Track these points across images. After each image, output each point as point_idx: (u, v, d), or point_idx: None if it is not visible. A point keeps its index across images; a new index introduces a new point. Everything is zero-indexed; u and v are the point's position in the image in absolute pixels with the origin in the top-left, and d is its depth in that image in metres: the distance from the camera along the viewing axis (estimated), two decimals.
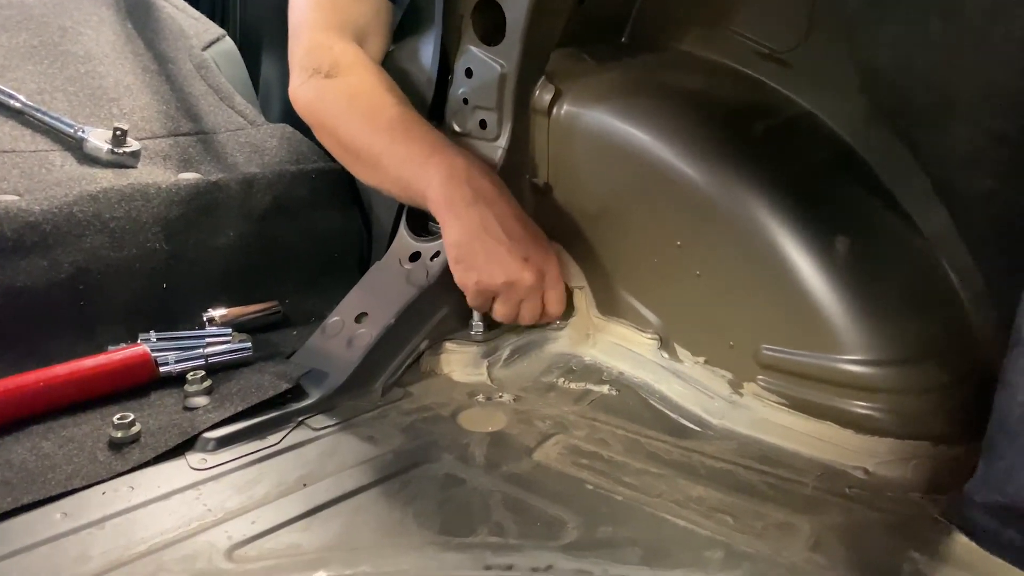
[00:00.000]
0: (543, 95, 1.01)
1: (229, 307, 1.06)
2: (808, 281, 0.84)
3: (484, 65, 1.01)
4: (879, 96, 0.72)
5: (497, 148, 1.02)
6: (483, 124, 1.03)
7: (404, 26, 1.17)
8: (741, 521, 0.72)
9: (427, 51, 1.11)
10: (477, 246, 0.94)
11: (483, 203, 0.95)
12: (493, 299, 0.98)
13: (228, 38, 1.51)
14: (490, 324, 1.02)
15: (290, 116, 1.33)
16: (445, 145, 0.99)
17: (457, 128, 1.06)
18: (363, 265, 1.22)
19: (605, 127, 0.97)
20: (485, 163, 1.01)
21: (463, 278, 0.96)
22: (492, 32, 0.99)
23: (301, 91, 1.08)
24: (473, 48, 1.01)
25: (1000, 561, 0.65)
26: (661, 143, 0.93)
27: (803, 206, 0.87)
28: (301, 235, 1.17)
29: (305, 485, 0.76)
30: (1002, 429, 0.59)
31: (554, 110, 1.00)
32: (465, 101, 1.04)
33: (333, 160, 1.13)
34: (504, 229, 0.95)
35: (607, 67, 1.04)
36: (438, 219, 0.97)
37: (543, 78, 1.01)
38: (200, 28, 1.47)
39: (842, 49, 0.90)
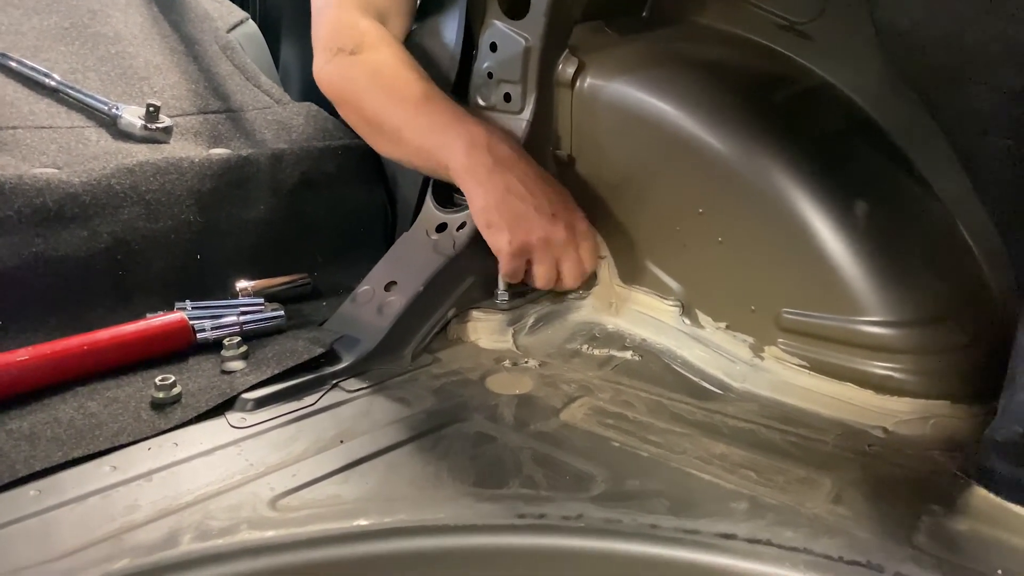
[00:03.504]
0: (567, 68, 1.03)
1: (259, 278, 1.09)
2: (828, 245, 0.86)
3: (509, 39, 1.03)
4: (899, 57, 0.74)
5: (521, 121, 1.04)
6: (507, 97, 1.05)
7: (428, 2, 1.19)
8: (764, 476, 0.74)
9: (451, 26, 1.13)
10: (504, 208, 0.97)
11: (504, 167, 0.97)
12: (528, 264, 1.00)
13: (251, 21, 1.54)
14: (515, 294, 1.04)
15: (309, 97, 1.37)
16: (464, 116, 1.02)
17: (482, 102, 1.08)
18: (388, 238, 1.25)
19: (628, 99, 0.99)
20: (504, 131, 1.03)
21: (496, 241, 0.98)
22: (516, 6, 1.02)
23: (326, 70, 1.11)
24: (498, 22, 1.04)
25: (1018, 510, 0.67)
26: (683, 113, 0.95)
27: (822, 172, 0.89)
28: (328, 209, 1.20)
29: (342, 442, 0.78)
30: (1023, 363, 0.61)
31: (577, 83, 1.03)
32: (490, 75, 1.06)
33: (358, 137, 1.16)
34: (528, 189, 0.97)
35: (629, 40, 1.06)
36: (462, 188, 1.00)
37: (566, 51, 1.03)
38: (224, 11, 1.50)
39: (860, 19, 0.91)
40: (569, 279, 1.02)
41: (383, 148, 1.11)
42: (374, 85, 1.06)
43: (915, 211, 0.90)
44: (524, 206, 0.97)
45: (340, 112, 1.15)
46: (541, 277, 1.01)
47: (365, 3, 1.12)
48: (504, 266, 1.00)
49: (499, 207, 0.97)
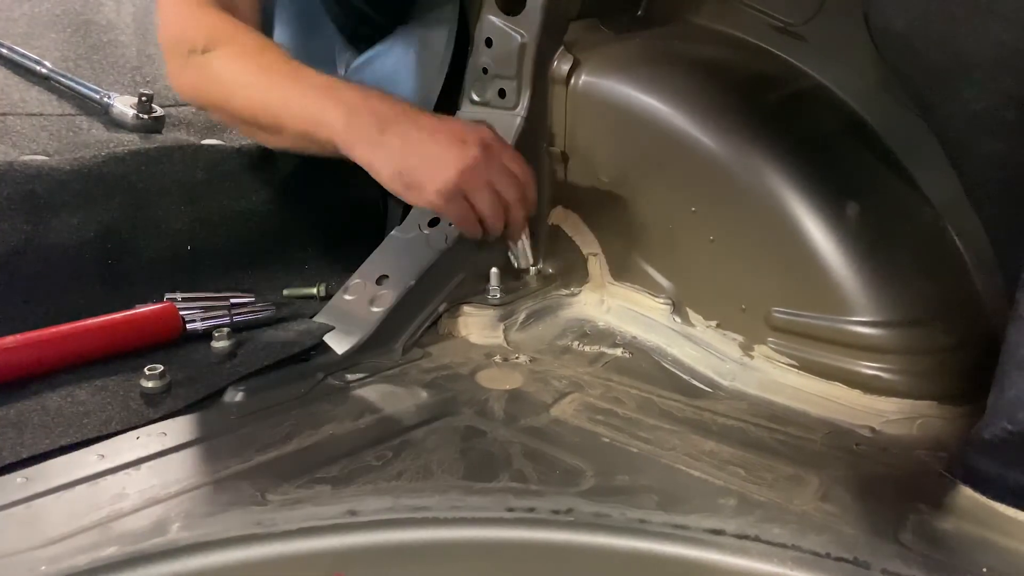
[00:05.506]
0: (562, 65, 1.03)
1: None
2: (818, 245, 0.87)
3: (504, 35, 1.03)
4: (893, 59, 0.75)
5: (516, 117, 1.05)
6: (502, 93, 1.05)
7: None
8: (752, 473, 0.74)
9: (446, 21, 1.13)
10: (411, 162, 0.90)
11: (392, 122, 0.91)
12: (472, 208, 0.93)
13: None
14: (507, 290, 1.04)
15: None
16: (336, 84, 0.95)
17: (476, 97, 1.08)
18: (380, 232, 1.24)
19: (622, 96, 0.99)
20: (380, 90, 0.96)
21: (423, 197, 0.91)
22: (512, 2, 1.02)
23: (182, 77, 1.03)
24: (493, 18, 1.04)
25: (1003, 510, 0.68)
26: (677, 112, 0.96)
27: (815, 173, 0.89)
28: (320, 201, 1.19)
29: (332, 434, 0.78)
30: (1013, 360, 0.62)
31: (572, 80, 1.03)
32: (485, 70, 1.06)
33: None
34: (426, 131, 0.91)
35: (624, 38, 1.06)
36: (357, 161, 0.92)
37: (562, 48, 1.03)
38: None
39: (854, 21, 0.92)
40: (515, 202, 0.94)
41: (270, 142, 1.04)
42: (239, 77, 0.98)
43: (905, 213, 0.91)
44: (429, 148, 0.90)
45: (212, 116, 1.08)
46: (488, 206, 0.93)
47: None
48: (451, 216, 0.93)
49: (405, 163, 0.90)
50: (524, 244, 1.03)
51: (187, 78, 1.02)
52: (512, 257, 1.04)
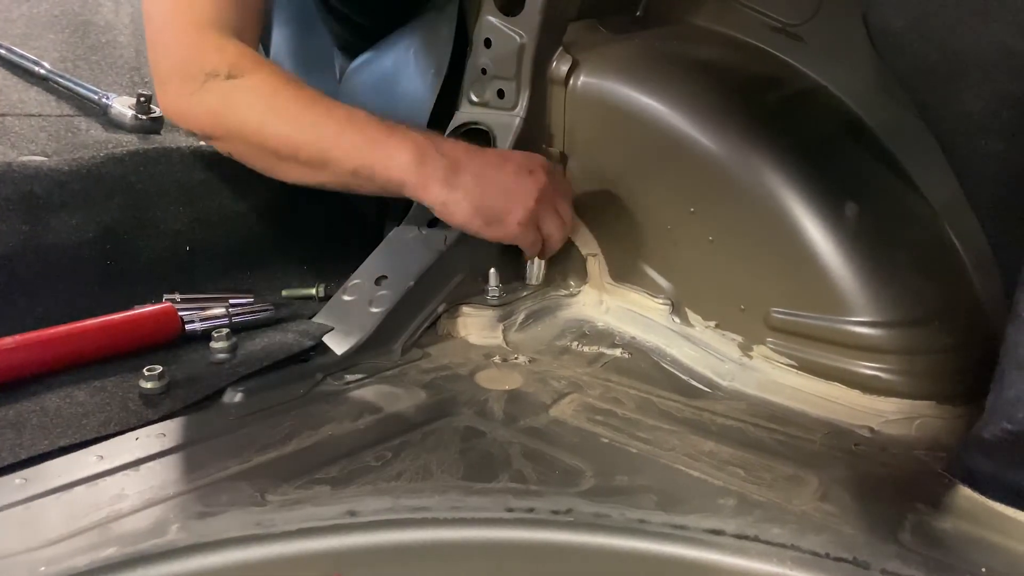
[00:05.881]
0: (560, 66, 1.03)
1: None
2: (817, 245, 0.87)
3: (503, 36, 1.03)
4: (892, 59, 0.75)
5: (515, 117, 1.05)
6: (501, 94, 1.05)
7: None
8: (752, 473, 0.75)
9: (445, 21, 1.12)
10: (489, 198, 0.95)
11: (461, 162, 0.94)
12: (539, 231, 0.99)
13: None
14: (506, 290, 1.04)
15: None
16: (396, 127, 0.96)
17: (475, 97, 1.08)
18: (379, 233, 1.24)
19: (621, 97, 1.00)
20: (434, 132, 1.00)
21: (503, 232, 0.97)
22: (511, 3, 1.02)
23: (197, 100, 0.97)
24: (492, 18, 1.04)
25: (1001, 509, 0.68)
26: (676, 113, 0.96)
27: (814, 173, 0.90)
28: (319, 202, 1.19)
29: (331, 434, 0.78)
30: (1013, 360, 0.62)
31: (571, 81, 1.03)
32: (484, 71, 1.06)
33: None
34: (494, 168, 0.95)
35: (623, 39, 1.06)
36: (429, 202, 0.95)
37: (560, 49, 1.03)
38: None
39: (852, 22, 0.92)
40: (568, 216, 1.01)
41: (296, 175, 1.00)
42: (275, 108, 0.96)
43: (904, 213, 0.91)
44: (502, 183, 0.95)
45: (221, 146, 1.03)
46: (556, 229, 1.00)
47: (220, 21, 0.98)
48: (524, 245, 0.99)
49: (483, 201, 0.95)
50: (538, 262, 1.07)
51: (204, 103, 0.98)
52: (529, 273, 1.07)
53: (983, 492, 0.68)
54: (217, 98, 0.97)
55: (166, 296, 1.00)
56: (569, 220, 1.02)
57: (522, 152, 1.01)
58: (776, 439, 0.81)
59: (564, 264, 1.10)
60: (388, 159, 0.94)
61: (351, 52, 1.33)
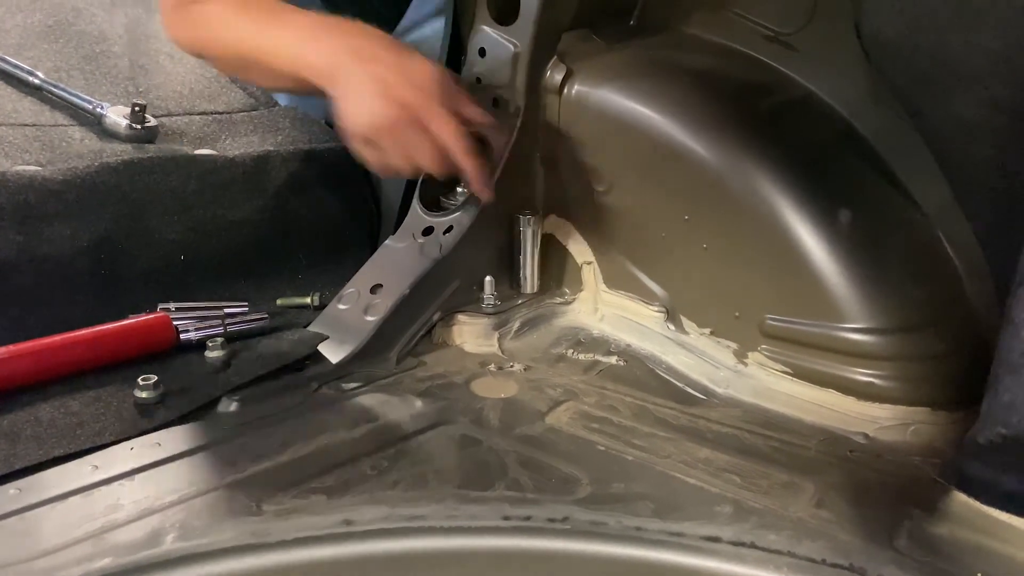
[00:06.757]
0: (554, 75, 1.03)
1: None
2: (811, 253, 0.87)
3: (497, 45, 1.03)
4: (884, 66, 0.75)
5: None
6: (496, 103, 1.05)
7: (416, 6, 1.19)
8: (747, 480, 0.75)
9: (439, 31, 1.13)
10: (353, 107, 0.93)
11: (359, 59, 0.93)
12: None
13: None
14: (501, 298, 1.05)
15: (296, 100, 1.36)
16: (317, 23, 0.97)
17: None
18: (373, 242, 1.24)
19: (614, 106, 1.00)
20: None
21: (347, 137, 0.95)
22: (505, 12, 1.02)
23: (175, 23, 1.05)
24: (486, 28, 1.04)
25: (996, 515, 0.68)
26: (669, 121, 0.96)
27: (807, 181, 0.90)
28: (314, 211, 1.20)
29: (326, 443, 0.78)
30: (1006, 365, 0.62)
31: (565, 89, 1.03)
32: (478, 80, 1.06)
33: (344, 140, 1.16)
34: (367, 75, 0.92)
35: (616, 48, 1.07)
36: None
37: (555, 58, 1.04)
38: None
39: (845, 31, 0.93)
40: (448, 142, 0.94)
41: (265, 82, 1.09)
42: (235, 20, 1.00)
43: (897, 220, 0.92)
44: (370, 91, 0.91)
45: (212, 63, 1.09)
46: (424, 155, 0.94)
47: None
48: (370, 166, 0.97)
49: (355, 107, 0.92)
50: (532, 270, 1.07)
51: (180, 26, 1.05)
52: (521, 281, 1.08)
53: (978, 497, 0.69)
54: (189, 19, 1.03)
55: (160, 305, 1.00)
56: (451, 143, 0.93)
57: (410, 61, 0.94)
58: (772, 446, 0.81)
59: (559, 272, 1.10)
60: (303, 61, 0.95)
61: None
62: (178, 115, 1.23)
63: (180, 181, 1.07)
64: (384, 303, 0.96)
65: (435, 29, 1.23)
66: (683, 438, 0.82)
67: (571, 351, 1.01)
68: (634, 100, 0.99)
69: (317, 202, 1.20)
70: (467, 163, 0.95)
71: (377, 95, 0.91)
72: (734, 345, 0.94)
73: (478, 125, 0.99)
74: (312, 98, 1.13)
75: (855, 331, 0.85)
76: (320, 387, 0.88)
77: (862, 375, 0.85)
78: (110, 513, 0.66)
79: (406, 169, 0.96)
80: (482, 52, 1.05)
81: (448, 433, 0.81)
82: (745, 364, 0.93)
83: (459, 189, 1.07)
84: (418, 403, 0.86)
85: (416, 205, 1.08)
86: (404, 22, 1.30)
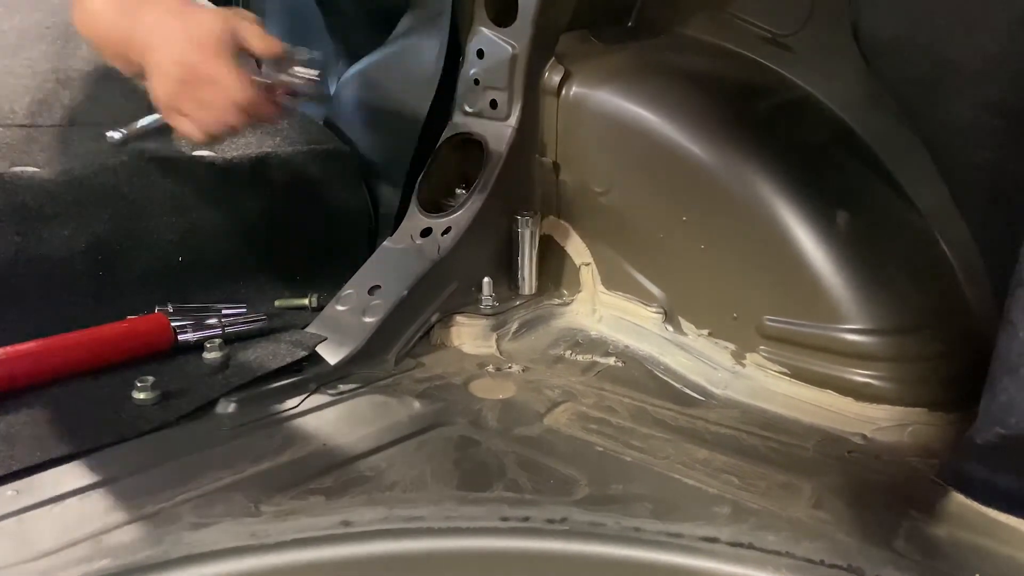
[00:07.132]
0: (552, 76, 1.04)
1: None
2: (809, 254, 0.87)
3: (495, 46, 1.03)
4: (881, 68, 0.76)
5: (507, 128, 1.05)
6: (494, 104, 1.05)
7: (414, 7, 1.19)
8: (746, 481, 0.75)
9: (437, 32, 1.13)
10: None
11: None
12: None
13: None
14: (500, 299, 1.05)
15: None
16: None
17: (468, 108, 1.09)
18: (372, 242, 1.24)
19: (612, 107, 1.00)
20: None
21: None
22: (503, 14, 1.02)
23: (74, 13, 0.99)
24: (485, 29, 1.04)
25: (994, 515, 0.68)
26: (667, 123, 0.97)
27: (804, 182, 0.90)
28: (312, 212, 1.19)
29: (324, 444, 0.78)
30: (1004, 366, 0.62)
31: (563, 91, 1.03)
32: (476, 81, 1.07)
33: (343, 142, 1.15)
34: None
35: (614, 50, 1.07)
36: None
37: (553, 59, 1.04)
38: None
39: (842, 33, 0.93)
40: (220, 115, 0.92)
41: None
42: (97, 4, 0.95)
43: (894, 221, 0.92)
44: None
45: (97, 47, 1.02)
46: (202, 118, 0.92)
47: None
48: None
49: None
50: (530, 271, 1.07)
51: (76, 15, 0.99)
52: (520, 282, 1.08)
53: (976, 498, 0.69)
54: (79, 8, 0.97)
55: (158, 306, 0.99)
56: (236, 93, 0.90)
57: (193, 18, 0.91)
58: (770, 447, 0.82)
59: (557, 273, 1.11)
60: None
61: (349, 49, 1.34)
62: None
63: (178, 182, 1.07)
64: (382, 304, 0.96)
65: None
66: (681, 439, 0.82)
67: (569, 352, 1.01)
68: (632, 102, 0.99)
69: (315, 203, 1.20)
70: (257, 109, 0.93)
71: (164, 62, 0.90)
72: (732, 346, 0.94)
73: (270, 56, 0.94)
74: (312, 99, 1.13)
75: (853, 332, 0.85)
76: (318, 388, 0.88)
77: (860, 376, 0.85)
78: (108, 514, 0.66)
79: (215, 127, 0.93)
80: (480, 53, 1.05)
81: (446, 434, 0.81)
82: (743, 365, 0.93)
83: (458, 191, 1.07)
84: (416, 404, 0.87)
85: (414, 206, 1.09)
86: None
